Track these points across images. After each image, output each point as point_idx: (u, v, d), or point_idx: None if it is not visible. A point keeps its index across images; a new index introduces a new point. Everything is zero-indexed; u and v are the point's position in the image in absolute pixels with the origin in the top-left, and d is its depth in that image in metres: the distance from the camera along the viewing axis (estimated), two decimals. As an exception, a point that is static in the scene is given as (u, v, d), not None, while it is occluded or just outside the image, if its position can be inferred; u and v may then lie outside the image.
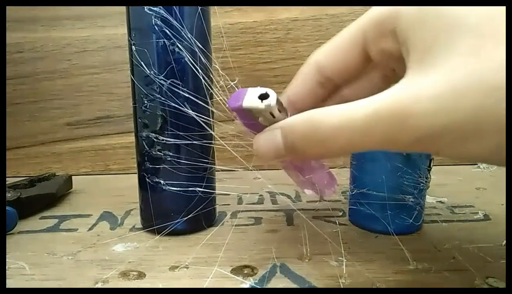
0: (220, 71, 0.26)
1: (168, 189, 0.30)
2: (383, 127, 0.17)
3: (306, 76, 0.24)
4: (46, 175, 0.42)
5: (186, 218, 0.31)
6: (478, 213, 0.35)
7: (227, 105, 0.22)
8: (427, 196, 0.31)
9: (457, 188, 0.42)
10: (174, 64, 0.28)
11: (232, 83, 0.25)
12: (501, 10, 0.15)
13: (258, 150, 0.22)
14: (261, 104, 0.20)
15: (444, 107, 0.15)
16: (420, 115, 0.16)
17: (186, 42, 0.28)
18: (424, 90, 0.16)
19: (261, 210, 0.37)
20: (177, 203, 0.30)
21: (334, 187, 0.27)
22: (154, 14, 0.27)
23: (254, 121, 0.21)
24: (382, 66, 0.23)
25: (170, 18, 0.27)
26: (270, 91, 0.20)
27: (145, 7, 0.27)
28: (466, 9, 0.16)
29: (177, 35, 0.28)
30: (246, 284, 0.24)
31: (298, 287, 0.24)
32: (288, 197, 0.40)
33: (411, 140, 0.16)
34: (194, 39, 0.28)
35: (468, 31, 0.15)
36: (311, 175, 0.25)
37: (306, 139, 0.19)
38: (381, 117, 0.17)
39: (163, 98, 0.28)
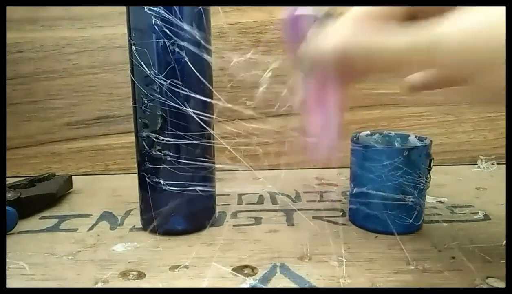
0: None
1: (168, 189, 0.30)
2: (418, 53, 0.19)
3: None
4: (46, 175, 0.42)
5: (186, 218, 0.31)
6: (478, 213, 0.35)
7: (287, 13, 0.23)
8: (427, 196, 0.31)
9: (457, 188, 0.42)
10: (174, 64, 0.28)
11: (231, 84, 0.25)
12: None
13: (318, 44, 0.22)
14: (315, 10, 0.22)
15: (472, 42, 0.17)
16: (450, 47, 0.18)
17: (186, 42, 0.28)
18: (453, 27, 0.18)
19: (261, 210, 0.37)
20: (177, 203, 0.30)
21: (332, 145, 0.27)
22: (154, 14, 0.27)
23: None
24: None
25: (170, 18, 0.27)
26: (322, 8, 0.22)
27: (145, 7, 0.27)
28: None
29: (177, 35, 0.28)
30: (246, 284, 0.24)
31: (298, 287, 0.24)
32: (288, 197, 0.40)
33: (438, 67, 0.20)
34: (193, 39, 0.28)
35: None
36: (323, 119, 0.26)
37: (357, 51, 0.21)
38: (419, 45, 0.19)
39: (163, 98, 0.28)
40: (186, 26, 0.28)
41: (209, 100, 0.31)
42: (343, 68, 0.23)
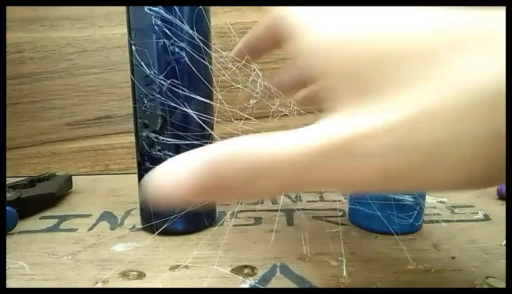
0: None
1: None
2: (326, 165, 0.15)
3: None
4: (46, 175, 0.42)
5: (186, 217, 0.31)
6: (478, 213, 0.35)
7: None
8: (427, 196, 0.31)
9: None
10: (174, 64, 0.28)
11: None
12: (441, 33, 0.14)
13: (156, 187, 0.16)
14: None
15: (401, 140, 0.14)
16: (374, 153, 0.14)
17: (186, 42, 0.28)
18: (373, 126, 0.14)
19: (261, 210, 0.37)
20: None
21: None
22: (154, 14, 0.27)
23: None
24: None
25: (170, 18, 0.27)
26: None
27: (145, 7, 0.27)
28: (408, 37, 0.14)
29: (177, 35, 0.28)
30: (246, 284, 0.24)
31: (298, 287, 0.24)
32: (288, 197, 0.40)
33: (362, 178, 0.15)
34: (194, 39, 0.28)
35: (414, 59, 0.14)
36: None
37: (225, 176, 0.15)
38: (327, 150, 0.15)
39: (163, 98, 0.28)
40: (186, 26, 0.28)
41: (208, 100, 0.31)
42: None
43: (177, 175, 0.16)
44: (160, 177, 0.16)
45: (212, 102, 0.31)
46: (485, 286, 0.23)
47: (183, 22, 0.28)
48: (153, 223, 0.30)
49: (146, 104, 0.29)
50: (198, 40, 0.29)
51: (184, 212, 0.30)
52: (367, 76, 0.15)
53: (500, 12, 0.13)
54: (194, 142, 0.30)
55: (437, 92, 0.13)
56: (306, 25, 0.16)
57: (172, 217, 0.30)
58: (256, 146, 0.15)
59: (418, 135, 0.13)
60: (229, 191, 0.16)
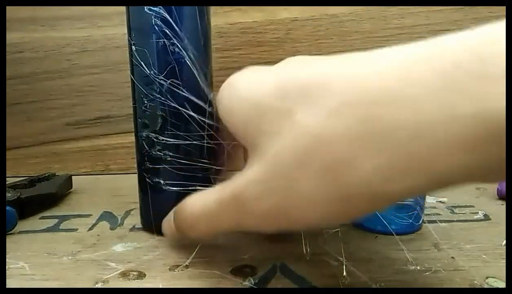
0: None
1: (168, 189, 0.30)
2: (229, 212, 0.19)
3: None
4: (46, 175, 0.42)
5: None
6: (478, 213, 0.35)
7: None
8: (427, 196, 0.31)
9: (457, 188, 0.42)
10: (174, 64, 0.28)
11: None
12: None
13: (165, 234, 0.27)
14: None
15: (265, 188, 0.17)
16: (251, 198, 0.18)
17: (186, 42, 0.28)
18: (249, 176, 0.18)
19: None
20: (177, 203, 0.30)
21: None
22: (154, 14, 0.27)
23: None
24: None
25: (170, 18, 0.27)
26: None
27: (145, 7, 0.27)
28: (269, 99, 0.18)
29: (177, 35, 0.28)
30: (246, 284, 0.24)
31: (298, 287, 0.24)
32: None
33: (253, 220, 0.19)
34: (194, 39, 0.28)
35: (273, 115, 0.17)
36: None
37: (182, 225, 0.23)
38: (225, 202, 0.19)
39: (163, 98, 0.28)
40: (186, 26, 0.28)
41: (209, 100, 0.31)
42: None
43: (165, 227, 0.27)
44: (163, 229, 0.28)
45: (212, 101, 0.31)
46: (485, 286, 0.23)
47: (183, 22, 0.28)
48: (154, 224, 0.30)
49: (146, 104, 0.29)
50: (198, 40, 0.29)
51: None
52: (251, 135, 0.18)
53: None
54: (194, 142, 0.30)
55: (286, 140, 0.16)
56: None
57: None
58: (184, 206, 0.22)
59: (276, 180, 0.17)
60: (184, 233, 0.23)
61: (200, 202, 0.21)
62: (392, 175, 0.14)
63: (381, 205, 0.16)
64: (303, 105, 0.16)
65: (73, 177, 0.44)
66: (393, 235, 0.29)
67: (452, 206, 0.37)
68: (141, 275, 0.25)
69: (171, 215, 0.25)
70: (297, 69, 0.18)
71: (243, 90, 0.20)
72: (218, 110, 0.22)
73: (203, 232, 0.22)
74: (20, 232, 0.32)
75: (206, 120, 0.29)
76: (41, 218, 0.36)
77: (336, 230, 0.32)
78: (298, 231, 0.24)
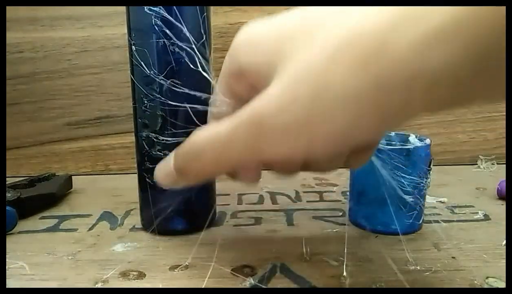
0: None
1: (168, 188, 0.30)
2: (243, 135, 0.17)
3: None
4: (46, 175, 0.42)
5: (186, 218, 0.31)
6: (478, 213, 0.35)
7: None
8: (427, 196, 0.31)
9: (457, 188, 0.42)
10: (174, 64, 0.28)
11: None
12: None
13: (156, 177, 0.23)
14: None
15: (289, 99, 0.16)
16: (271, 114, 0.16)
17: (186, 42, 0.28)
18: (270, 92, 0.17)
19: (261, 210, 0.37)
20: (177, 203, 0.30)
21: None
22: (154, 14, 0.27)
23: None
24: None
25: (170, 18, 0.27)
26: None
27: (145, 7, 0.27)
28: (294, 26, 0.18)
29: (177, 35, 0.28)
30: (246, 284, 0.24)
31: (298, 287, 0.24)
32: (288, 197, 0.40)
33: (270, 143, 0.17)
34: (193, 39, 0.28)
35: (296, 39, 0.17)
36: None
37: (186, 157, 0.20)
38: (241, 126, 0.17)
39: (163, 98, 0.28)
40: (186, 26, 0.28)
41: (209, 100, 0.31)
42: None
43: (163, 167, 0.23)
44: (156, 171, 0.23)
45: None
46: (485, 286, 0.23)
47: (183, 22, 0.28)
48: (154, 224, 0.30)
49: (146, 104, 0.29)
50: (197, 40, 0.29)
51: (186, 218, 0.30)
52: (273, 64, 0.17)
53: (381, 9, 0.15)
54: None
55: (315, 45, 0.16)
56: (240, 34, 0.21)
57: (176, 221, 0.30)
58: (189, 138, 0.20)
59: (302, 87, 0.16)
60: (185, 170, 0.21)
61: (208, 130, 0.19)
62: (430, 47, 0.13)
63: (418, 95, 0.15)
64: (331, 15, 0.16)
65: (73, 177, 0.44)
66: (393, 235, 0.29)
67: (452, 206, 0.37)
68: (141, 275, 0.25)
69: (170, 156, 0.22)
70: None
71: (263, 25, 0.19)
72: (233, 55, 0.20)
73: (208, 164, 0.19)
74: (20, 232, 0.32)
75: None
76: (41, 218, 0.36)
77: (336, 230, 0.32)
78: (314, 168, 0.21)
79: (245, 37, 0.20)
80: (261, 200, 0.40)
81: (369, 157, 0.23)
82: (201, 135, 0.19)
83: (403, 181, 0.29)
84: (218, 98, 0.23)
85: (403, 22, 0.14)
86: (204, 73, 0.25)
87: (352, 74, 0.15)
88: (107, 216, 0.36)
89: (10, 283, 0.24)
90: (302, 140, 0.16)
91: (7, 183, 0.39)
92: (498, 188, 0.38)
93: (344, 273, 0.25)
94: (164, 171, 0.22)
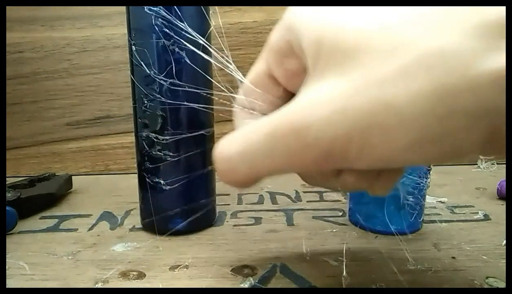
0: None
1: (168, 188, 0.30)
2: (284, 145, 0.15)
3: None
4: (46, 174, 0.42)
5: (186, 217, 0.31)
6: (478, 213, 0.35)
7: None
8: (427, 196, 0.31)
9: (457, 188, 0.42)
10: (174, 64, 0.28)
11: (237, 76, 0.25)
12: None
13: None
14: None
15: (343, 108, 0.14)
16: (319, 123, 0.14)
17: (186, 42, 0.28)
18: (319, 96, 0.15)
19: (261, 210, 0.37)
20: (177, 202, 0.30)
21: None
22: (154, 14, 0.27)
23: None
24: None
25: (170, 18, 0.27)
26: None
27: (145, 7, 0.27)
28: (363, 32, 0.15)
29: (177, 35, 0.28)
30: (246, 284, 0.24)
31: (298, 287, 0.24)
32: (288, 197, 0.40)
33: (316, 154, 0.15)
34: (193, 39, 0.28)
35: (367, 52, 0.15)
36: None
37: (218, 171, 0.18)
38: (280, 134, 0.15)
39: (163, 98, 0.28)
40: (186, 26, 0.28)
41: (209, 100, 0.31)
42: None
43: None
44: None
45: (212, 103, 0.31)
46: (485, 286, 0.23)
47: (183, 22, 0.28)
48: (154, 224, 0.31)
49: (146, 104, 0.29)
50: (197, 40, 0.29)
51: (186, 218, 0.30)
52: (340, 54, 0.15)
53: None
54: (194, 142, 0.30)
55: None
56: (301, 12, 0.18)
57: (176, 221, 0.30)
58: (216, 152, 0.18)
59: (359, 101, 0.14)
60: (226, 181, 0.18)
61: (238, 140, 0.17)
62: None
63: (486, 136, 0.13)
64: (410, 27, 0.14)
65: (73, 177, 0.44)
66: (393, 235, 0.29)
67: (452, 206, 0.37)
68: (141, 275, 0.25)
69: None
70: None
71: (339, 13, 0.16)
72: (296, 30, 0.18)
73: (244, 175, 0.17)
74: (20, 232, 0.32)
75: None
76: (41, 218, 0.36)
77: (336, 230, 0.32)
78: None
79: (320, 17, 0.16)
80: (261, 200, 0.40)
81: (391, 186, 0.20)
82: (231, 148, 0.17)
83: (403, 181, 0.29)
84: (248, 90, 0.21)
85: (488, 47, 0.13)
86: (234, 74, 0.24)
87: (424, 95, 0.13)
88: (107, 216, 0.36)
89: (10, 283, 0.24)
90: (349, 155, 0.15)
91: (7, 183, 0.39)
92: (498, 188, 0.38)
93: (344, 273, 0.25)
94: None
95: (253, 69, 0.21)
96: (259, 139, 0.16)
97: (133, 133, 0.31)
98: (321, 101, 0.15)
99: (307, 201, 0.39)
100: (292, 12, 0.18)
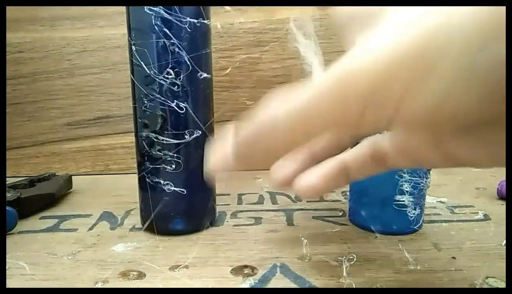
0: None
1: (168, 189, 0.30)
2: (327, 100, 0.14)
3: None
4: (46, 175, 0.42)
5: (186, 218, 0.31)
6: (478, 213, 0.35)
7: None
8: (427, 196, 0.31)
9: (457, 188, 0.42)
10: (174, 64, 0.28)
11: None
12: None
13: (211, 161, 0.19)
14: None
15: (384, 48, 0.13)
16: (361, 68, 0.13)
17: (186, 42, 0.28)
18: (360, 47, 0.14)
19: (261, 210, 0.37)
20: (177, 202, 0.30)
21: None
22: (154, 14, 0.27)
23: None
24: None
25: (170, 18, 0.27)
26: None
27: (145, 7, 0.27)
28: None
29: (177, 35, 0.28)
30: (246, 284, 0.24)
31: (298, 287, 0.24)
32: (288, 197, 0.40)
33: (359, 102, 0.14)
34: (193, 39, 0.28)
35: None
36: None
37: (252, 135, 0.17)
38: (325, 89, 0.14)
39: (163, 98, 0.28)
40: (185, 26, 0.28)
41: (209, 100, 0.31)
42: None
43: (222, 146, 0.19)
44: (212, 153, 0.19)
45: (212, 100, 0.31)
46: (485, 286, 0.23)
47: (182, 22, 0.28)
48: (154, 224, 0.30)
49: (146, 104, 0.29)
50: (198, 40, 0.29)
51: (186, 218, 0.30)
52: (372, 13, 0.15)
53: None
54: (194, 142, 0.30)
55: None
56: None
57: (176, 221, 0.30)
58: (272, 110, 0.16)
59: (401, 41, 0.13)
60: (255, 150, 0.17)
61: (286, 101, 0.16)
62: None
63: None
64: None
65: (73, 177, 0.44)
66: (393, 235, 0.29)
67: (452, 206, 0.37)
68: (141, 275, 0.25)
69: (228, 137, 0.18)
70: None
71: None
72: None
73: (285, 141, 0.16)
74: (20, 232, 0.32)
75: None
76: (41, 218, 0.36)
77: (336, 230, 0.32)
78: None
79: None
80: (261, 200, 0.40)
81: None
82: (277, 108, 0.16)
83: (403, 180, 0.29)
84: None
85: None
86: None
87: (479, 31, 0.12)
88: (107, 216, 0.36)
89: (10, 283, 0.24)
90: (392, 99, 0.13)
91: (7, 183, 0.39)
92: (498, 188, 0.38)
93: (344, 273, 0.25)
94: (219, 153, 0.19)
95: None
96: (307, 96, 0.15)
97: (133, 133, 0.31)
98: (361, 49, 0.14)
99: (307, 201, 0.39)
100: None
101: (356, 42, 0.14)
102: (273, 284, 0.24)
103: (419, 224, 0.31)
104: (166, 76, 0.28)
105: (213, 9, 0.31)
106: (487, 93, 0.13)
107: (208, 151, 0.20)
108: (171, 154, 0.29)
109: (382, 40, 0.13)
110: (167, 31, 0.27)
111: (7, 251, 0.28)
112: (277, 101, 0.16)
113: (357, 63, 0.14)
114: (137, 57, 0.28)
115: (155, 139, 0.29)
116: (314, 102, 0.15)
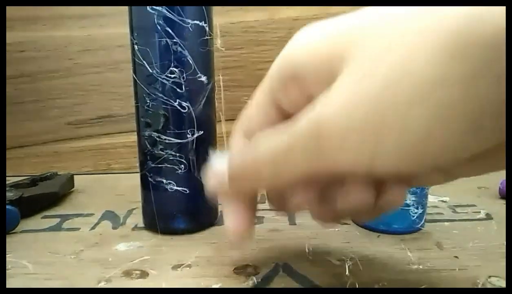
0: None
1: (170, 188, 0.30)
2: (302, 145, 0.15)
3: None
4: (48, 174, 0.42)
5: (188, 217, 0.31)
6: (480, 212, 0.35)
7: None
8: (429, 195, 0.31)
9: (459, 187, 0.42)
10: (176, 64, 0.28)
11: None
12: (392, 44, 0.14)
13: (207, 185, 0.21)
14: None
15: (348, 101, 0.14)
16: (329, 118, 0.14)
17: (188, 41, 0.28)
18: (329, 94, 0.15)
19: (263, 209, 0.37)
20: (180, 202, 0.30)
21: None
22: (156, 13, 0.27)
23: None
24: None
25: (173, 17, 0.27)
26: None
27: (148, 7, 0.27)
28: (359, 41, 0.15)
29: (179, 34, 0.28)
30: (249, 283, 0.24)
31: (301, 286, 0.24)
32: (290, 196, 0.40)
33: (329, 155, 0.15)
34: (196, 38, 0.28)
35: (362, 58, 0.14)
36: None
37: (238, 172, 0.19)
38: (299, 134, 0.15)
39: (165, 98, 0.28)
40: (188, 26, 0.28)
41: (211, 99, 0.31)
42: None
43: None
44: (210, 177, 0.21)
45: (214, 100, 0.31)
46: (488, 285, 0.23)
47: (185, 22, 0.28)
48: (156, 224, 0.31)
49: (148, 104, 0.29)
50: (200, 39, 0.29)
51: (188, 217, 0.30)
52: (334, 58, 0.15)
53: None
54: (197, 141, 0.30)
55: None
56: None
57: (178, 220, 0.30)
58: (258, 145, 0.18)
59: (365, 87, 0.13)
60: (242, 184, 0.20)
61: (266, 141, 0.17)
62: None
63: None
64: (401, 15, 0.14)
65: (75, 176, 0.44)
66: (395, 234, 0.29)
67: (454, 206, 0.37)
68: (144, 274, 0.25)
69: (219, 165, 0.20)
70: None
71: (323, 25, 0.17)
72: (288, 56, 0.18)
73: (267, 180, 0.18)
74: (22, 231, 0.33)
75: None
76: (43, 217, 0.36)
77: (339, 229, 0.32)
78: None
79: (303, 36, 0.17)
80: (263, 199, 0.40)
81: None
82: (258, 149, 0.17)
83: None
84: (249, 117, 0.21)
85: None
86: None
87: (441, 61, 0.12)
88: (109, 215, 0.36)
89: (14, 282, 0.24)
90: (365, 149, 0.14)
91: (9, 182, 0.39)
92: (500, 187, 0.38)
93: (347, 273, 0.25)
94: (216, 178, 0.21)
95: (254, 99, 0.21)
96: (279, 142, 0.16)
97: (136, 133, 0.31)
98: (331, 96, 0.15)
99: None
100: (288, 44, 0.18)
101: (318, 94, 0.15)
102: (276, 283, 0.24)
103: (421, 223, 0.31)
104: (169, 75, 0.28)
105: (214, 9, 0.31)
106: (466, 132, 0.13)
107: (206, 174, 0.22)
108: (173, 153, 0.29)
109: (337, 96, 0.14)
110: (170, 30, 0.27)
111: (10, 250, 0.28)
112: (266, 138, 0.17)
113: (325, 113, 0.15)
114: (140, 56, 0.28)
115: (157, 139, 0.29)
116: (290, 148, 0.16)
